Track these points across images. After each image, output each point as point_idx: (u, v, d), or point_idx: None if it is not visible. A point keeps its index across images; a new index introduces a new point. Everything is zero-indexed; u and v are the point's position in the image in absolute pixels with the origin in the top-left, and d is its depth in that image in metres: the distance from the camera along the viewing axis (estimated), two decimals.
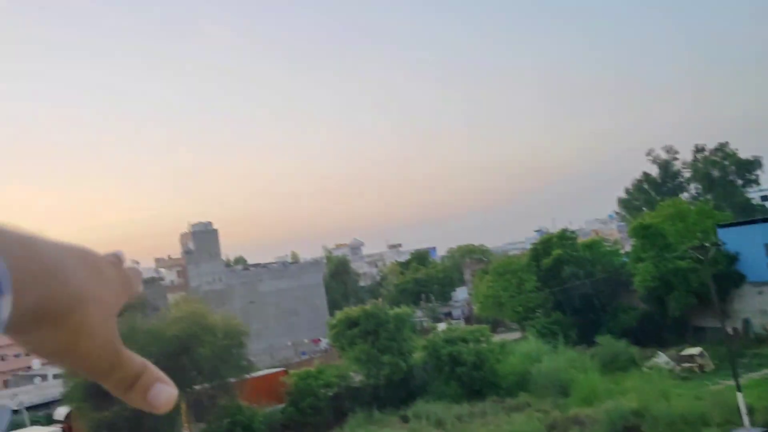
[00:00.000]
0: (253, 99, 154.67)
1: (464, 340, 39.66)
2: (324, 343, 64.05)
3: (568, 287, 49.15)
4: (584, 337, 45.01)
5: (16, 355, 66.81)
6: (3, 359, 66.31)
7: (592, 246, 54.29)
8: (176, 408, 34.07)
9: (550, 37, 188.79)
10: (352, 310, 42.13)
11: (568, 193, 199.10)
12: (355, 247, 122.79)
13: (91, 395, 32.11)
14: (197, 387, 34.46)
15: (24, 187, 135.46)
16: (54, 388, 41.41)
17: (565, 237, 54.19)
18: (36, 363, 62.94)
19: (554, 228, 72.38)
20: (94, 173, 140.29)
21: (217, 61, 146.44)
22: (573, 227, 76.66)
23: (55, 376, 44.68)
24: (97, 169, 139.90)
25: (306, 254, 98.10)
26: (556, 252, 51.03)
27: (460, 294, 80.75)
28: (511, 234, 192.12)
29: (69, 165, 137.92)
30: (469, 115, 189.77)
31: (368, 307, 42.23)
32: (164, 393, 0.56)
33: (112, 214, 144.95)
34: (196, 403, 34.50)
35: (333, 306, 70.16)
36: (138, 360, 0.60)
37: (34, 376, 55.24)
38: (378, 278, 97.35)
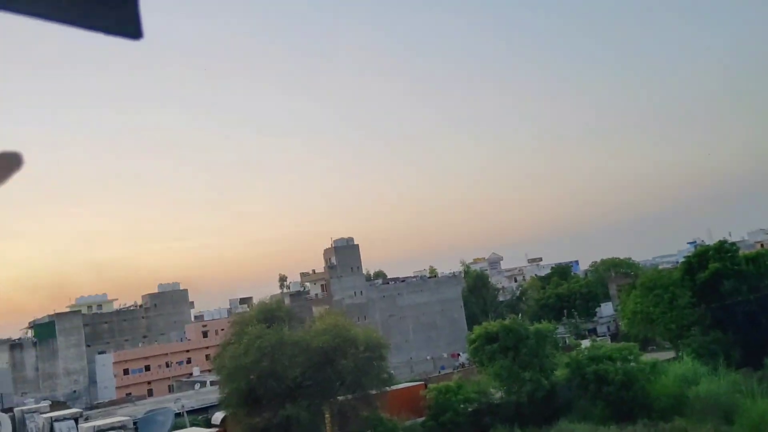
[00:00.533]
0: (392, 116, 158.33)
1: (611, 359, 37.69)
2: (463, 357, 63.57)
3: (728, 303, 45.30)
4: (749, 359, 41.16)
5: (179, 363, 72.70)
6: (168, 366, 72.27)
7: (757, 259, 49.77)
8: (321, 416, 35.32)
9: (708, 35, 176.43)
10: (492, 325, 41.49)
11: (726, 202, 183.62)
12: (494, 262, 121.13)
13: (245, 402, 34.14)
14: (340, 397, 35.45)
15: (199, 206, 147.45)
16: (211, 394, 44.50)
17: (724, 249, 50.04)
18: (196, 370, 68.11)
19: (710, 240, 67.18)
20: (248, 193, 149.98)
21: (360, 80, 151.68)
22: (733, 239, 70.55)
23: (212, 383, 47.98)
24: (251, 188, 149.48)
25: (444, 269, 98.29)
26: (714, 265, 47.27)
27: (605, 310, 77.00)
28: (661, 247, 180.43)
29: (228, 186, 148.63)
30: (614, 123, 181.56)
31: (508, 322, 41.42)
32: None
33: (262, 232, 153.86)
34: (339, 413, 35.49)
35: (471, 320, 69.62)
36: None
37: (195, 382, 59.75)
38: (517, 293, 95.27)
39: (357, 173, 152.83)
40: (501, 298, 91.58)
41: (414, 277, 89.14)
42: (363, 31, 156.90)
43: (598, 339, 56.58)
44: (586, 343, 48.12)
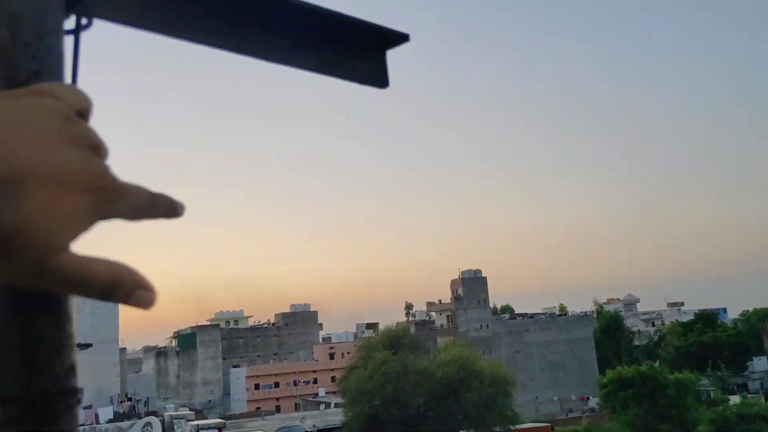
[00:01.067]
0: (523, 149, 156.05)
1: (765, 419, 34.24)
2: (593, 401, 60.39)
3: None
4: None
5: (306, 382, 75.00)
6: (296, 384, 74.79)
7: None
8: None
9: None
10: (626, 370, 39.22)
11: None
12: (629, 303, 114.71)
13: (368, 426, 34.54)
14: None
15: (332, 230, 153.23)
16: (335, 416, 45.37)
17: None
18: (322, 391, 69.93)
19: None
20: (376, 215, 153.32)
21: (490, 112, 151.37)
22: None
23: (337, 405, 48.98)
24: (382, 216, 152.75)
25: (575, 307, 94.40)
26: None
27: (759, 364, 70.22)
28: None
29: (360, 211, 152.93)
30: (760, 157, 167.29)
31: (644, 368, 38.99)
32: (144, 300, 0.48)
33: (391, 259, 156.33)
34: None
35: (603, 363, 66.14)
36: (103, 272, 0.46)
37: (320, 402, 61.29)
38: (655, 338, 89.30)
39: (487, 205, 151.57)
40: (636, 342, 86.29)
41: (543, 313, 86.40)
42: (500, 66, 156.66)
43: (749, 396, 51.61)
44: (735, 399, 44.03)
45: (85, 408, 30.21)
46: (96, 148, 0.47)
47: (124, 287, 0.47)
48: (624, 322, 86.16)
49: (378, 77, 1.16)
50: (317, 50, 1.10)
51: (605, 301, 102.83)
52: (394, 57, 1.21)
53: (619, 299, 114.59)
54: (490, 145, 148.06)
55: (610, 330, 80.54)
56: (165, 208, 0.53)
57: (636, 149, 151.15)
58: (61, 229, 0.42)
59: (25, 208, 0.40)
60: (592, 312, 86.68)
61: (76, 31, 1.06)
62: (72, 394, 0.87)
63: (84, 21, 1.08)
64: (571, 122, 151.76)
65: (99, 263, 0.46)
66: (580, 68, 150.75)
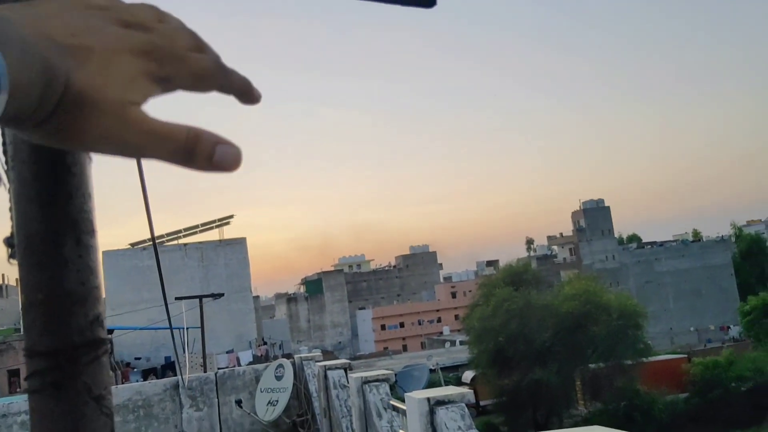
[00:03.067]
0: (644, 68, 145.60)
1: None
2: (734, 330, 57.15)
3: None
4: None
5: (431, 321, 76.46)
6: (420, 324, 76.46)
7: None
8: (571, 383, 34.53)
9: None
10: None
11: None
12: None
13: (494, 363, 34.77)
14: (592, 366, 34.28)
15: (447, 171, 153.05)
16: (461, 353, 46.08)
17: None
18: (446, 329, 71.07)
19: None
20: (492, 153, 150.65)
21: (609, 34, 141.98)
22: None
23: (462, 343, 49.62)
24: (498, 150, 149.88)
25: (710, 232, 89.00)
26: None
27: None
28: None
29: (473, 147, 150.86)
30: None
31: None
32: (228, 154, 0.46)
33: (508, 194, 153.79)
34: (591, 381, 34.39)
35: (745, 290, 62.06)
36: (181, 127, 0.47)
37: (445, 341, 62.40)
38: None
39: (608, 130, 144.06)
40: None
41: (674, 241, 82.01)
42: None
43: None
44: None
45: (227, 352, 32.57)
46: (137, 24, 0.49)
47: (205, 141, 0.47)
48: (767, 244, 79.95)
49: None
50: None
51: (745, 223, 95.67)
52: None
53: (760, 220, 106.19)
54: (607, 69, 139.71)
55: (751, 254, 75.11)
56: (238, 84, 0.53)
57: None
58: (128, 85, 0.45)
59: (88, 67, 0.43)
60: (730, 236, 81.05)
61: None
62: (98, 345, 0.84)
63: None
64: (693, 38, 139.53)
65: (175, 123, 0.48)
66: None
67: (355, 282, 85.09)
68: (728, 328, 61.18)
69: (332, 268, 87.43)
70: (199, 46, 0.52)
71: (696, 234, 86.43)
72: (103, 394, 0.84)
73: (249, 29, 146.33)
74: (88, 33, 0.45)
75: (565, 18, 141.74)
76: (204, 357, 17.48)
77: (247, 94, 0.52)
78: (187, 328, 20.93)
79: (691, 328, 65.93)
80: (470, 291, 57.88)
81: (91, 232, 0.93)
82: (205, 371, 14.05)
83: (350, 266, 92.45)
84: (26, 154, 0.87)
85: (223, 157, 0.46)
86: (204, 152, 0.46)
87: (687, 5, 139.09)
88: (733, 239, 78.88)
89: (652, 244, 79.17)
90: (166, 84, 0.49)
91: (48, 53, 0.41)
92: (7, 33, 0.39)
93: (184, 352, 18.22)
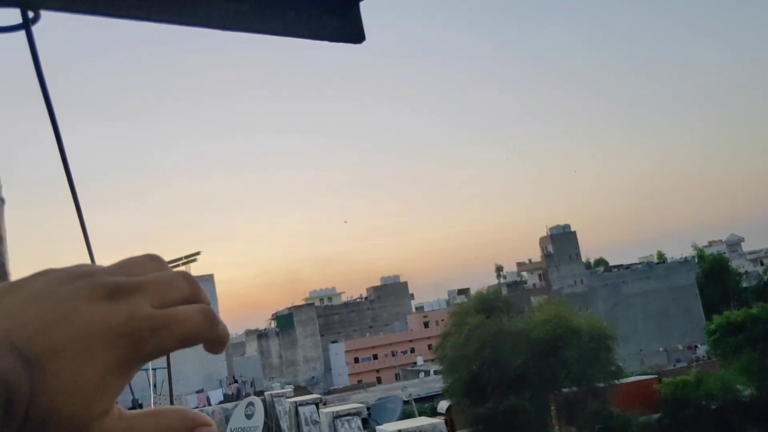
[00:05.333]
0: (606, 93, 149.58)
1: None
2: (701, 350, 58.11)
3: None
4: None
5: (404, 352, 76.11)
6: (394, 355, 76.07)
7: None
8: (546, 408, 34.62)
9: None
10: (735, 314, 37.47)
11: None
12: (733, 244, 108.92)
13: (468, 391, 34.70)
14: (565, 390, 34.47)
15: (412, 202, 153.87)
16: (436, 383, 45.88)
17: None
18: (420, 359, 70.78)
19: None
20: (458, 181, 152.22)
21: (572, 62, 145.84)
22: None
23: (436, 372, 49.49)
24: (462, 180, 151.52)
25: (673, 253, 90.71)
26: None
27: None
28: None
29: (438, 175, 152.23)
30: None
31: (755, 310, 37.01)
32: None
33: (476, 222, 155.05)
34: (565, 406, 34.54)
35: (710, 309, 63.31)
36: (152, 423, 0.44)
37: (419, 371, 62.10)
38: (765, 278, 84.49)
39: (572, 155, 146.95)
40: (745, 284, 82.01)
41: (639, 263, 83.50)
42: (580, 16, 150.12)
43: None
44: None
45: (197, 392, 31.93)
46: (118, 291, 0.43)
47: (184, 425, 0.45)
48: (729, 263, 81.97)
49: (352, 32, 1.02)
50: (278, 11, 0.98)
51: (706, 243, 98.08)
52: (375, 10, 1.07)
53: (721, 240, 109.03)
54: (570, 95, 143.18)
55: (714, 273, 76.84)
56: (221, 337, 0.48)
57: (729, 86, 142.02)
58: (95, 396, 0.41)
59: (52, 385, 0.39)
60: (693, 257, 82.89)
61: (26, 26, 0.98)
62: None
63: (31, 14, 1.01)
64: (657, 62, 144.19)
65: (145, 419, 0.45)
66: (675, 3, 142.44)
67: (327, 315, 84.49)
68: (695, 347, 62.18)
69: (303, 302, 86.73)
70: (193, 292, 0.48)
71: (660, 256, 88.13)
72: None
73: (214, 56, 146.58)
74: (58, 327, 0.40)
75: (526, 40, 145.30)
76: (171, 398, 17.09)
77: (221, 345, 0.48)
78: (154, 369, 20.49)
79: (660, 349, 66.84)
80: (442, 320, 57.94)
81: (4, 275, 0.95)
82: None
83: (321, 299, 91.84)
84: None
85: None
86: None
87: (648, 27, 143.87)
88: (695, 260, 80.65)
89: (619, 267, 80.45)
90: (148, 358, 0.44)
91: (8, 368, 0.37)
92: None
93: (151, 394, 17.82)
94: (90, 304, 0.42)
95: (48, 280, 0.44)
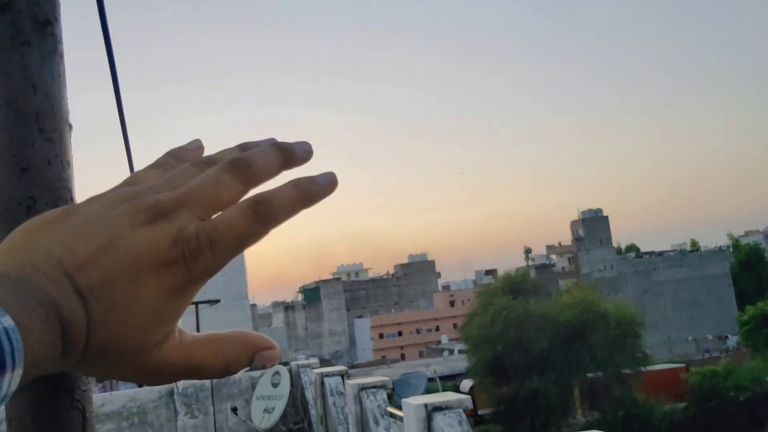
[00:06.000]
0: (644, 77, 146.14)
1: None
2: (732, 340, 57.09)
3: None
4: None
5: (429, 330, 76.25)
6: (418, 332, 76.25)
7: None
8: (569, 391, 34.44)
9: None
10: None
11: None
12: None
13: (492, 371, 34.68)
14: (590, 374, 34.21)
15: (445, 179, 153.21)
16: (459, 362, 45.93)
17: None
18: (444, 338, 70.92)
19: None
20: (489, 162, 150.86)
21: (609, 43, 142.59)
22: None
23: (460, 351, 49.50)
24: (491, 158, 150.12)
25: (707, 242, 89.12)
26: None
27: None
28: None
29: (472, 155, 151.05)
30: None
31: None
32: (266, 358, 0.44)
33: (506, 203, 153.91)
34: (589, 390, 34.32)
35: (743, 299, 62.07)
36: (213, 350, 0.43)
37: (443, 349, 62.20)
38: None
39: (607, 139, 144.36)
40: None
41: (672, 250, 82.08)
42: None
43: None
44: None
45: None
46: (160, 211, 0.41)
47: (239, 364, 0.44)
48: (766, 254, 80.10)
49: None
50: None
51: (742, 233, 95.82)
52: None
53: (758, 231, 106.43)
54: (607, 76, 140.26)
55: (749, 264, 75.20)
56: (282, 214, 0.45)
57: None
58: (151, 323, 0.40)
59: (108, 314, 0.39)
60: (728, 246, 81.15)
61: None
62: None
63: None
64: (693, 47, 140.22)
65: (206, 345, 0.44)
66: None
67: (353, 290, 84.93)
68: (726, 337, 61.13)
69: (330, 277, 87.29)
70: (251, 176, 0.45)
71: (694, 244, 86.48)
72: (75, 386, 0.78)
73: (244, 36, 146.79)
74: (106, 255, 0.39)
75: (563, 25, 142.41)
76: None
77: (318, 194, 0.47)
78: None
79: (689, 338, 65.86)
80: (468, 300, 57.78)
81: (69, 200, 0.89)
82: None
83: (348, 275, 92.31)
84: (1, 117, 0.84)
85: (262, 362, 0.44)
86: (240, 368, 0.45)
87: (689, 14, 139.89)
88: (730, 249, 78.97)
89: (651, 253, 79.19)
90: (205, 276, 0.42)
91: (63, 300, 0.37)
92: (21, 298, 0.35)
93: None
94: (133, 230, 0.40)
95: (97, 205, 0.42)
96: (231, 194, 0.43)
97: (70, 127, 0.89)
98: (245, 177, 0.44)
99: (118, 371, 0.41)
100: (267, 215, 0.43)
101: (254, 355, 0.44)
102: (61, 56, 0.64)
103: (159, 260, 0.40)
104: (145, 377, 0.42)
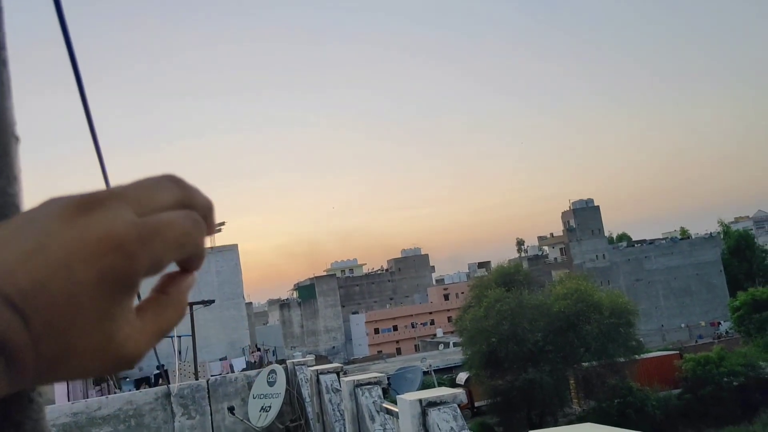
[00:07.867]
0: (630, 68, 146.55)
1: None
2: (724, 326, 57.53)
3: None
4: None
5: (424, 324, 76.43)
6: (413, 326, 76.42)
7: None
8: (564, 382, 34.65)
9: None
10: (760, 291, 36.94)
11: None
12: (761, 220, 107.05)
13: (487, 363, 34.83)
14: (585, 364, 34.41)
15: (436, 173, 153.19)
16: (455, 355, 46.10)
17: None
18: (439, 331, 71.11)
19: None
20: (478, 155, 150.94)
21: (595, 34, 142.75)
22: None
23: (455, 344, 49.67)
24: (480, 151, 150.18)
25: (698, 229, 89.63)
26: None
27: None
28: None
29: (461, 149, 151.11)
30: None
31: None
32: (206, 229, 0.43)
33: (497, 196, 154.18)
34: (584, 380, 34.52)
35: (734, 286, 62.59)
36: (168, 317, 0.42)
37: (439, 343, 62.41)
38: None
39: (596, 129, 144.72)
40: None
41: (663, 239, 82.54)
42: None
43: None
44: None
45: (220, 359, 32.41)
46: (93, 202, 0.38)
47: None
48: (755, 240, 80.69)
49: None
50: None
51: (732, 220, 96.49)
52: None
53: (748, 217, 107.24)
54: (593, 68, 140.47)
55: (740, 250, 75.71)
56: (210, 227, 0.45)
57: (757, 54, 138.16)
58: (101, 319, 0.38)
59: (51, 320, 0.36)
60: (718, 233, 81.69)
61: None
62: None
63: None
64: (678, 36, 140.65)
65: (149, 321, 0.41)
66: None
67: (348, 286, 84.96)
68: (718, 323, 61.59)
69: (325, 273, 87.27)
70: (185, 195, 0.43)
71: (684, 232, 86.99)
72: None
73: (238, 47, 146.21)
74: (35, 258, 0.36)
75: (549, 18, 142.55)
76: (195, 365, 17.39)
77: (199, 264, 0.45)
78: (179, 336, 20.82)
79: (682, 325, 66.33)
80: (462, 293, 57.96)
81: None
82: (197, 379, 14.00)
83: (342, 271, 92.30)
84: None
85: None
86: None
87: (669, 4, 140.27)
88: (721, 236, 79.49)
89: (642, 242, 79.62)
90: (148, 271, 0.40)
91: (6, 327, 0.34)
92: None
93: (176, 360, 18.14)
94: (63, 224, 0.37)
95: (31, 211, 0.39)
96: (171, 198, 0.42)
97: (17, 139, 0.84)
98: (184, 185, 0.43)
99: (86, 369, 0.38)
100: (206, 224, 0.43)
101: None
102: (4, 64, 0.59)
103: (94, 253, 0.37)
104: (115, 366, 0.39)
